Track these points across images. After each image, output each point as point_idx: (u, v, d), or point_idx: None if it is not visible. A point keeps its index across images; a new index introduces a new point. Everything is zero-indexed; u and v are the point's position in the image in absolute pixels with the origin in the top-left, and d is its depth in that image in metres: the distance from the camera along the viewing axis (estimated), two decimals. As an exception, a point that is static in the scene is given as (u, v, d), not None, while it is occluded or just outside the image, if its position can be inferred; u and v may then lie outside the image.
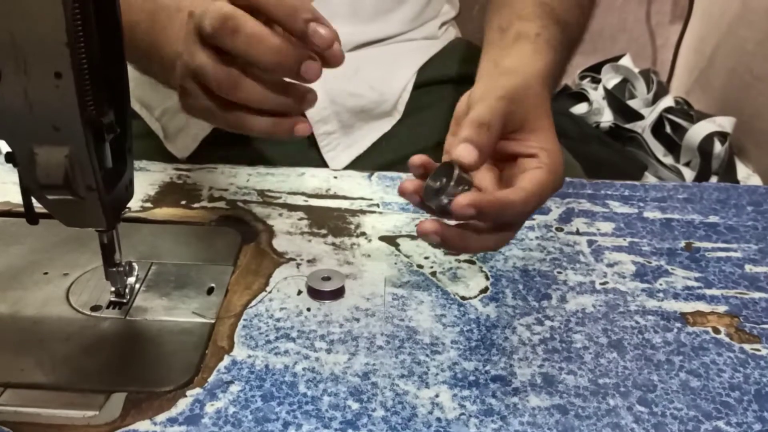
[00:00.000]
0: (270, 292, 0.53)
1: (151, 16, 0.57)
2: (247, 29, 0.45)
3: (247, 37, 0.45)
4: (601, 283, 0.56)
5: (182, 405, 0.43)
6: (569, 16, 0.65)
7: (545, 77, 0.54)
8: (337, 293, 0.53)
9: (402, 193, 0.47)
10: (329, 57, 0.46)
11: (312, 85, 0.75)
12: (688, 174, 1.34)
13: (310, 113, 0.75)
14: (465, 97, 0.52)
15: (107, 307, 0.51)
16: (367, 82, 0.76)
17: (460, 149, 0.44)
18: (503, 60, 0.56)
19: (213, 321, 0.50)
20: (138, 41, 0.58)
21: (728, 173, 1.32)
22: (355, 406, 0.44)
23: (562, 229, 0.62)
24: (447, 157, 0.47)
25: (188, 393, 0.44)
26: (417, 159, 0.47)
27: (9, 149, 0.42)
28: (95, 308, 0.51)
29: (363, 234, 0.60)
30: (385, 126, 0.79)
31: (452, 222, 0.47)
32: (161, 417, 0.43)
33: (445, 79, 0.81)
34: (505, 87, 0.49)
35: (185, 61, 0.48)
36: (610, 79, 1.54)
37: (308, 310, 0.52)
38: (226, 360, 0.47)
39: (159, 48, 0.57)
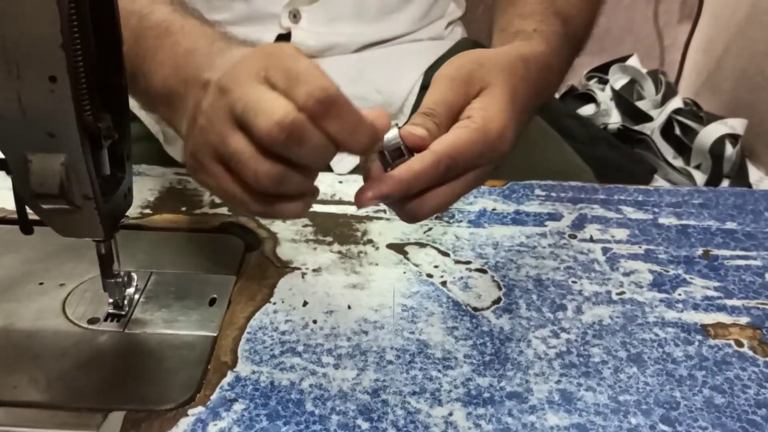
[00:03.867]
0: (275, 304, 0.51)
1: (175, 71, 0.49)
2: (315, 140, 0.39)
3: (314, 148, 0.39)
4: (617, 293, 0.54)
5: (183, 425, 0.42)
6: (572, 9, 0.63)
7: (527, 59, 0.51)
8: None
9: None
10: None
11: None
12: (699, 177, 1.32)
13: None
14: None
15: (105, 320, 0.49)
16: (372, 84, 0.74)
17: (409, 127, 0.44)
18: None
19: (215, 334, 0.48)
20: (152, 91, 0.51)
21: (740, 176, 1.30)
22: (365, 425, 0.42)
23: (575, 236, 0.60)
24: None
25: (190, 412, 0.42)
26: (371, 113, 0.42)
27: (1, 156, 0.40)
28: (92, 321, 0.49)
29: (370, 241, 0.59)
30: None
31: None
32: (161, 438, 0.41)
33: None
34: (457, 65, 0.48)
35: (212, 142, 0.42)
36: (617, 79, 1.52)
37: (314, 322, 0.50)
38: (230, 376, 0.45)
39: (172, 108, 0.49)
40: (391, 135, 0.43)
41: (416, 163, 0.43)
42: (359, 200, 0.42)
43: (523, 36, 0.56)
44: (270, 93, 0.39)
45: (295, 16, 0.73)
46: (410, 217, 0.46)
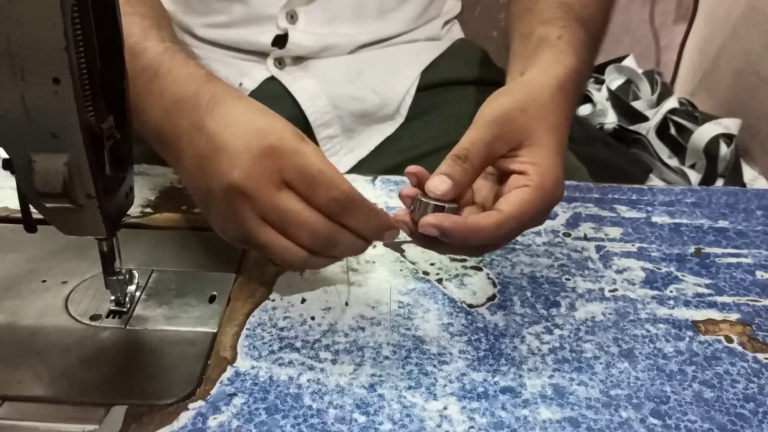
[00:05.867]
0: (273, 301, 0.52)
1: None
2: (365, 208, 0.46)
3: (363, 216, 0.46)
4: (610, 291, 0.55)
5: (184, 418, 0.42)
6: (590, 12, 0.63)
7: (563, 84, 0.52)
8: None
9: (401, 197, 0.47)
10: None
11: (314, 89, 0.74)
12: (694, 176, 1.33)
13: (312, 117, 0.74)
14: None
15: (107, 317, 0.50)
16: (369, 85, 0.75)
17: (434, 181, 0.46)
18: (527, 71, 0.54)
19: (215, 330, 0.49)
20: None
21: (734, 176, 1.30)
22: (362, 419, 0.43)
23: (569, 235, 0.61)
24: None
25: (190, 406, 0.43)
26: (412, 168, 0.47)
27: (6, 156, 0.41)
28: (95, 317, 0.50)
29: (367, 240, 0.59)
30: (387, 129, 0.78)
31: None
32: (163, 431, 0.41)
33: (449, 81, 0.80)
34: (498, 106, 0.48)
35: (243, 234, 0.47)
36: (613, 80, 1.53)
37: (312, 318, 0.51)
38: (229, 371, 0.46)
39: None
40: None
41: (483, 219, 0.45)
42: (422, 223, 0.45)
43: (548, 45, 0.56)
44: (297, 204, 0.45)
45: (292, 17, 0.73)
46: (453, 252, 0.51)
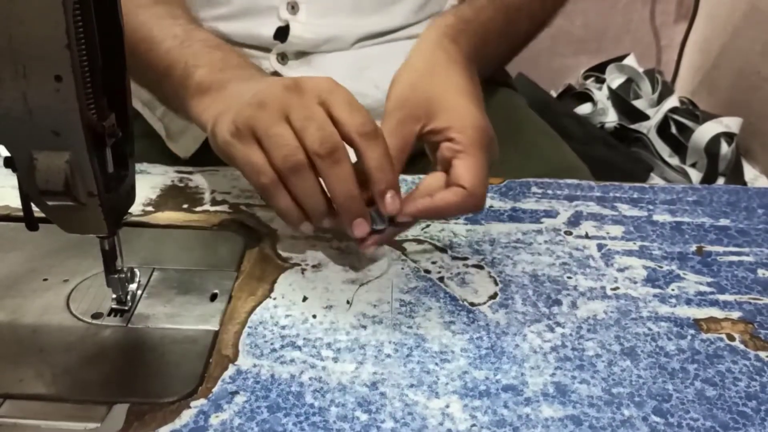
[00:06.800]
0: (275, 299, 0.52)
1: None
2: (347, 167, 0.48)
3: (342, 173, 0.48)
4: (612, 289, 0.55)
5: (186, 417, 0.42)
6: None
7: (447, 32, 0.58)
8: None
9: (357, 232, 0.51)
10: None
11: None
12: (695, 175, 1.33)
13: None
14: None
15: (108, 315, 0.50)
16: (372, 81, 0.75)
17: (387, 203, 0.50)
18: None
19: (217, 329, 0.49)
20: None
21: (735, 174, 1.31)
22: (364, 417, 0.43)
23: (570, 233, 0.61)
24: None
25: (192, 404, 0.43)
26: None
27: (8, 154, 0.41)
28: (96, 316, 0.50)
29: (369, 238, 0.59)
30: None
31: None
32: (165, 429, 0.41)
33: None
34: (394, 94, 0.53)
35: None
36: (614, 79, 1.53)
37: (314, 317, 0.51)
38: (231, 369, 0.46)
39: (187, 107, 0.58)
40: None
41: (451, 196, 0.50)
42: (399, 219, 0.51)
43: (444, 13, 0.63)
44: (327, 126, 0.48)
45: (293, 8, 0.73)
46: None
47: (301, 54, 0.76)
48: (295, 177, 0.48)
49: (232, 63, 0.58)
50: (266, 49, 0.76)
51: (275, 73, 0.75)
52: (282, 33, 0.74)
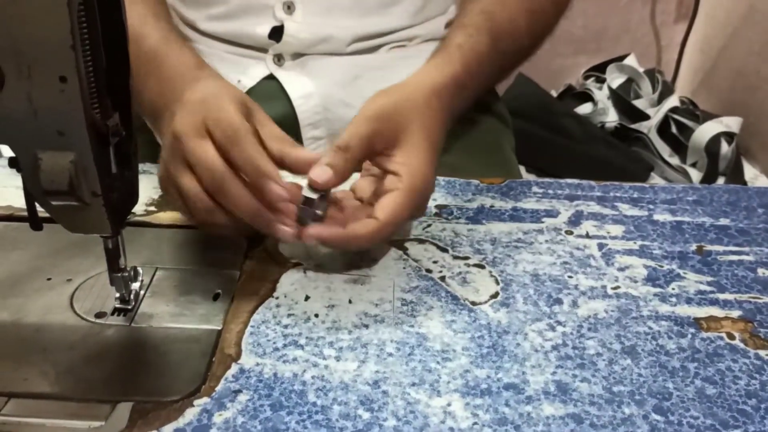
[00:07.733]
0: (277, 298, 0.52)
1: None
2: (253, 150, 0.50)
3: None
4: (612, 288, 0.55)
5: (190, 415, 0.43)
6: (512, 27, 0.68)
7: (438, 90, 0.58)
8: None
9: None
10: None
11: (308, 88, 0.75)
12: (695, 175, 1.33)
13: (302, 116, 0.75)
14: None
15: (112, 314, 0.50)
16: (363, 93, 0.75)
17: (316, 171, 0.51)
18: (417, 72, 0.60)
19: (220, 328, 0.49)
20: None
21: (735, 174, 1.31)
22: (366, 415, 0.43)
23: (571, 233, 0.62)
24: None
25: (195, 403, 0.43)
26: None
27: (12, 155, 0.41)
28: (99, 315, 0.50)
29: (370, 238, 0.59)
30: None
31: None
32: (168, 428, 0.42)
33: None
34: (377, 105, 0.54)
35: (171, 173, 0.51)
36: (614, 78, 1.53)
37: (316, 316, 0.51)
38: (234, 368, 0.46)
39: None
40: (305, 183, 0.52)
41: (361, 228, 0.51)
42: (302, 232, 0.51)
43: (443, 51, 0.63)
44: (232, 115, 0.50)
45: (289, 8, 0.73)
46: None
47: (298, 55, 0.76)
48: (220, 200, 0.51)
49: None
50: (263, 50, 0.76)
51: (269, 78, 0.76)
52: (277, 33, 0.74)
